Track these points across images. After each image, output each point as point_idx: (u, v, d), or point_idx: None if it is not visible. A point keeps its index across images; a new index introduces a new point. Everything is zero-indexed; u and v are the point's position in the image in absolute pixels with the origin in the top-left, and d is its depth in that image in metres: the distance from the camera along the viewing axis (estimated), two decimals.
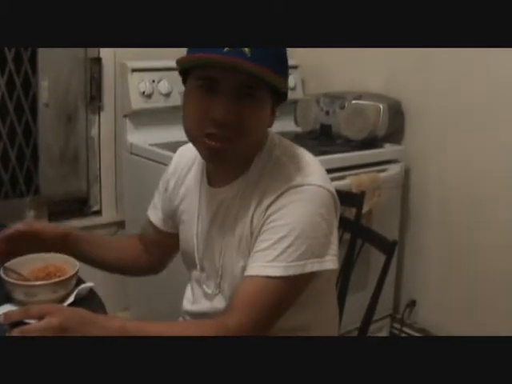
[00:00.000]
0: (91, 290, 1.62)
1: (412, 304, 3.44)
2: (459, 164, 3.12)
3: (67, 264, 1.64)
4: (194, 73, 1.49)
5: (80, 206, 3.31)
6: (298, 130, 3.51)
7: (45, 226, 1.73)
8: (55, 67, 3.06)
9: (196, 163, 1.72)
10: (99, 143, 3.23)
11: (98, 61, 3.12)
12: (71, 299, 1.54)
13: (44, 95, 3.03)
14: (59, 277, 1.58)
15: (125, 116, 3.10)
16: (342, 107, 3.26)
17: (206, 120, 1.46)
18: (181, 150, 1.82)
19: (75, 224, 2.91)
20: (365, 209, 2.24)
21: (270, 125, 1.58)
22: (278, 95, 1.53)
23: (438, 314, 3.29)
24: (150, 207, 1.87)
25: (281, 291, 1.45)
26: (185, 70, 1.52)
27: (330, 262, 1.50)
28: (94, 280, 1.65)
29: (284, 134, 3.34)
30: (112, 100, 3.19)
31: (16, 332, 1.25)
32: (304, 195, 1.48)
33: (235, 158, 1.54)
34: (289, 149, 1.61)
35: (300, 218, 1.46)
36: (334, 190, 1.55)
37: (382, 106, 3.17)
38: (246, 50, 1.40)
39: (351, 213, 2.33)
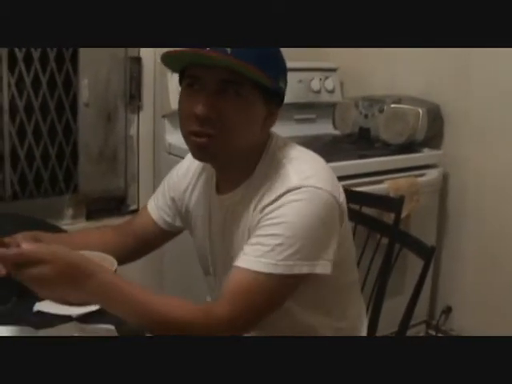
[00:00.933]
0: None
1: (448, 310, 3.42)
2: (498, 169, 3.09)
3: (105, 261, 1.64)
4: (185, 73, 1.53)
5: (118, 204, 3.33)
6: (337, 133, 3.50)
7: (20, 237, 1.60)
8: (96, 66, 3.08)
9: (206, 170, 1.74)
10: (138, 142, 3.25)
11: (138, 60, 3.13)
12: None
13: (84, 94, 3.05)
14: None
15: (164, 116, 3.12)
16: (381, 111, 3.25)
17: (191, 118, 1.49)
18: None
19: (113, 222, 2.92)
20: (403, 213, 2.22)
21: (268, 127, 1.58)
22: (272, 94, 1.53)
23: (474, 321, 3.26)
24: (152, 205, 1.86)
25: (267, 287, 1.45)
26: (181, 72, 1.56)
27: (321, 267, 1.49)
28: (131, 278, 1.66)
29: (322, 137, 3.39)
30: (151, 99, 3.21)
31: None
32: (302, 196, 1.47)
33: (222, 156, 1.55)
34: (292, 151, 1.60)
35: (295, 218, 1.46)
36: (338, 194, 1.54)
37: (421, 110, 3.15)
38: (228, 48, 1.43)
39: (389, 217, 2.32)
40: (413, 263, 2.06)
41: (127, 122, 3.23)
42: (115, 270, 1.59)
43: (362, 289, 2.11)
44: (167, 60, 1.53)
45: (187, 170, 1.79)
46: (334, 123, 3.52)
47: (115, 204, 3.33)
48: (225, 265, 1.56)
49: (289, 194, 1.47)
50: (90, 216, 3.20)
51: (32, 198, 2.96)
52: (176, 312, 1.41)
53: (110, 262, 1.63)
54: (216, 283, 1.72)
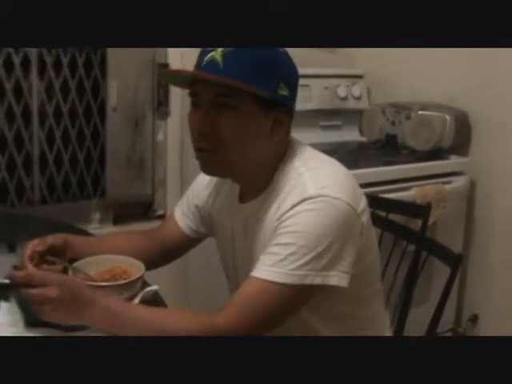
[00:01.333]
0: (156, 293, 1.64)
1: (474, 318, 3.39)
2: None
3: (133, 267, 1.66)
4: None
5: (145, 209, 3.35)
6: (363, 139, 3.50)
7: (36, 243, 1.66)
8: (124, 72, 3.11)
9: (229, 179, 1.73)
10: (165, 148, 3.27)
11: (165, 66, 3.15)
12: (136, 301, 1.56)
13: (112, 100, 3.08)
14: (125, 279, 1.61)
15: None
16: (408, 117, 3.24)
17: (193, 134, 1.53)
18: None
19: (140, 227, 2.94)
20: (429, 221, 2.21)
21: (279, 135, 1.56)
22: (272, 103, 1.51)
23: (501, 330, 3.23)
24: (178, 212, 1.88)
25: (276, 297, 1.43)
26: None
27: (336, 278, 1.45)
28: (157, 283, 1.67)
29: (348, 144, 3.38)
30: (179, 106, 3.22)
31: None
32: (317, 206, 1.44)
33: (227, 170, 1.58)
34: (309, 159, 1.58)
35: (309, 228, 1.43)
36: (357, 205, 1.50)
37: (448, 117, 3.14)
38: (220, 60, 1.44)
39: (415, 224, 2.32)
40: (439, 271, 2.05)
41: (155, 127, 3.25)
42: (142, 275, 1.61)
43: (388, 296, 2.11)
44: (170, 81, 1.55)
45: (211, 179, 1.79)
46: (360, 130, 3.52)
47: (142, 209, 3.35)
48: (246, 272, 1.54)
49: (304, 203, 1.45)
50: (117, 221, 3.23)
51: (60, 202, 2.99)
52: (179, 326, 1.43)
53: (137, 266, 1.65)
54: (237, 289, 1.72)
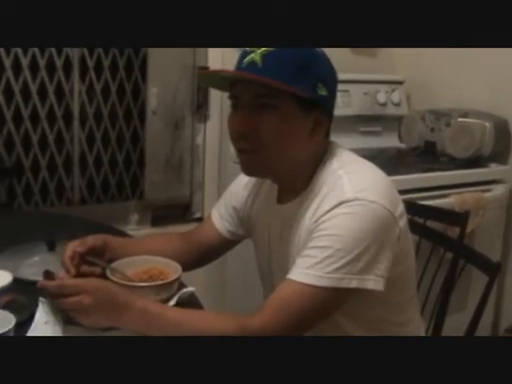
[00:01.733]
0: (192, 295, 1.65)
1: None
2: None
3: (170, 268, 1.67)
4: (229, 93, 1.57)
5: (182, 211, 3.37)
6: (402, 146, 3.48)
7: (77, 244, 1.68)
8: (164, 75, 3.13)
9: (268, 180, 1.74)
10: (204, 151, 3.28)
11: (205, 69, 3.16)
12: (173, 302, 1.56)
13: (152, 103, 3.10)
14: (162, 280, 1.62)
15: None
16: (448, 124, 3.22)
17: (233, 136, 1.54)
18: None
19: (177, 229, 2.95)
20: (468, 229, 2.20)
21: (319, 136, 1.56)
22: (312, 104, 1.51)
23: None
24: (215, 214, 1.88)
25: (311, 300, 1.43)
26: None
27: (373, 282, 1.44)
28: (193, 285, 1.68)
29: (387, 150, 3.37)
30: (218, 109, 3.23)
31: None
32: (354, 210, 1.43)
33: (268, 171, 1.58)
34: (348, 162, 1.58)
35: (346, 231, 1.43)
36: (394, 209, 1.49)
37: (488, 125, 3.11)
38: (259, 61, 1.45)
39: (453, 232, 2.30)
40: (477, 279, 2.04)
41: (194, 130, 3.27)
42: (179, 276, 1.62)
43: (424, 304, 2.09)
44: (209, 83, 1.57)
45: (249, 180, 1.80)
46: (399, 136, 3.50)
47: (180, 211, 3.36)
48: (281, 274, 1.55)
49: (341, 207, 1.45)
50: (154, 222, 3.25)
51: (99, 203, 3.02)
52: (215, 328, 1.43)
53: (174, 268, 1.66)
54: (271, 292, 1.72)
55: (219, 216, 1.87)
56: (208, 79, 1.54)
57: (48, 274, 1.46)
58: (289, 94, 1.46)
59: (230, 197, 1.86)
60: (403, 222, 1.53)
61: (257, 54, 1.46)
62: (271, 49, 1.46)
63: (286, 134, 1.51)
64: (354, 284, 1.42)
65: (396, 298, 1.62)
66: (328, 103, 1.56)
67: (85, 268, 1.63)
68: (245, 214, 1.81)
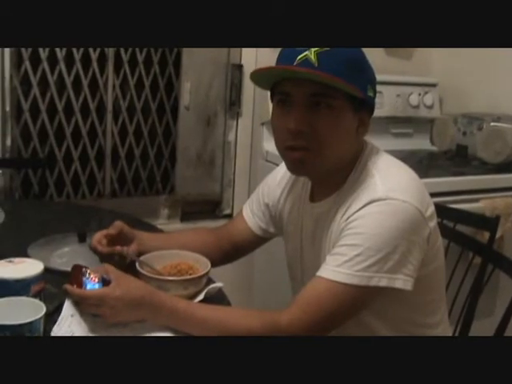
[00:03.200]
0: (220, 290, 1.65)
1: None
2: None
3: (199, 263, 1.68)
4: (274, 91, 1.55)
5: (212, 208, 3.38)
6: (434, 149, 3.46)
7: (123, 226, 1.73)
8: (198, 71, 3.14)
9: (301, 178, 1.74)
10: (235, 148, 3.29)
11: (239, 67, 3.18)
12: (201, 297, 1.57)
13: (185, 98, 3.12)
14: (190, 274, 1.63)
15: (262, 124, 3.15)
16: (480, 129, 3.19)
17: (284, 133, 1.51)
18: None
19: (206, 225, 2.97)
20: (497, 234, 2.18)
21: (361, 135, 1.57)
22: (361, 104, 1.52)
23: None
24: (247, 210, 1.89)
25: (341, 298, 1.44)
26: (271, 89, 1.57)
27: (402, 281, 1.44)
28: (222, 281, 1.69)
29: (418, 153, 3.36)
30: (251, 107, 3.24)
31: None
32: (385, 208, 1.44)
33: (318, 169, 1.56)
34: (383, 161, 1.58)
35: (376, 230, 1.43)
36: (425, 210, 1.49)
37: None
38: (314, 60, 1.43)
39: (482, 236, 2.29)
40: (505, 285, 2.02)
41: (226, 127, 3.28)
42: (208, 272, 1.63)
43: (451, 308, 2.08)
44: (256, 78, 1.54)
45: (282, 178, 1.81)
46: (431, 139, 3.48)
47: (210, 207, 3.38)
48: (312, 273, 1.54)
49: (372, 205, 1.45)
50: (184, 218, 3.26)
51: (130, 197, 3.05)
52: (243, 325, 1.44)
53: (203, 263, 1.67)
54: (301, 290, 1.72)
55: (251, 212, 1.88)
56: (258, 75, 1.54)
57: (76, 268, 1.49)
58: (343, 94, 1.47)
59: (262, 194, 1.86)
60: (433, 224, 1.53)
61: (311, 53, 1.45)
62: (324, 48, 1.45)
63: (339, 133, 1.51)
64: (383, 283, 1.43)
65: (424, 299, 1.62)
66: (373, 104, 1.57)
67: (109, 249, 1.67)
68: (277, 211, 1.81)
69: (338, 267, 1.44)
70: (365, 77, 1.53)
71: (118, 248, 1.66)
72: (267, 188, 1.85)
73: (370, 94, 1.54)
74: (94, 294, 1.43)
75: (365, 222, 1.45)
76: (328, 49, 1.45)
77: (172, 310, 1.44)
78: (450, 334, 1.82)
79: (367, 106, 1.55)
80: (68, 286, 1.43)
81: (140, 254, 1.70)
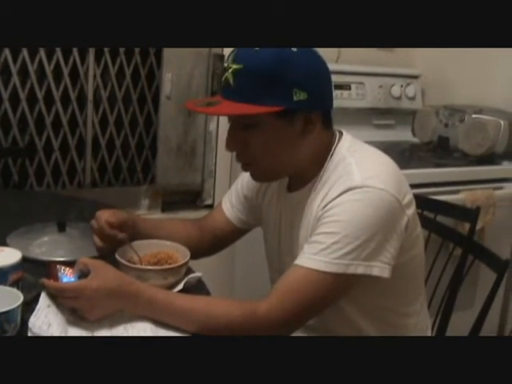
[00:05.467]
0: (199, 280, 1.65)
1: None
2: None
3: (178, 252, 1.68)
4: None
5: (193, 198, 3.37)
6: (415, 140, 3.48)
7: (111, 214, 1.73)
8: (179, 61, 3.12)
9: None
10: (217, 139, 3.27)
11: (220, 57, 3.16)
12: (180, 287, 1.57)
13: (167, 88, 3.10)
14: (170, 264, 1.63)
15: None
16: (462, 120, 3.21)
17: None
18: None
19: (187, 216, 2.96)
20: (478, 225, 2.19)
21: (311, 133, 1.54)
22: (291, 112, 1.49)
23: None
24: (226, 203, 1.90)
25: (318, 286, 1.45)
26: None
27: (378, 269, 1.46)
28: (202, 270, 1.68)
29: (400, 144, 3.37)
30: None
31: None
32: (362, 196, 1.45)
33: (271, 177, 1.65)
34: (359, 150, 1.59)
35: (353, 217, 1.45)
36: (402, 197, 1.50)
37: (502, 122, 3.10)
38: (232, 82, 1.47)
39: (463, 228, 2.30)
40: (485, 276, 2.03)
41: (207, 117, 3.26)
42: (187, 261, 1.62)
43: (431, 299, 2.09)
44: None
45: None
46: (413, 130, 3.50)
47: (191, 198, 3.36)
48: (291, 262, 1.55)
49: (349, 193, 1.46)
50: (165, 208, 3.25)
51: (110, 186, 3.03)
52: (222, 314, 1.45)
53: (182, 252, 1.67)
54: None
55: (230, 205, 1.88)
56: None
57: (51, 265, 1.50)
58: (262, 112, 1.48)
59: (241, 186, 1.87)
60: (411, 212, 1.54)
61: (229, 73, 1.48)
62: (240, 65, 1.46)
63: (274, 146, 1.54)
64: (360, 270, 1.44)
65: (402, 287, 1.63)
66: (310, 104, 1.51)
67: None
68: (256, 202, 1.82)
69: (315, 255, 1.45)
70: (286, 84, 1.47)
71: (121, 235, 1.67)
72: (246, 180, 1.85)
73: (300, 97, 1.48)
74: (70, 286, 1.42)
75: (342, 210, 1.46)
76: (243, 66, 1.46)
77: (151, 300, 1.44)
78: (429, 324, 1.83)
79: (302, 109, 1.51)
80: (44, 280, 1.42)
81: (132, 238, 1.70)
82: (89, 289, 1.40)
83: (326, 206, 1.50)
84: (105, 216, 1.68)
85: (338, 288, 1.48)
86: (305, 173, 1.60)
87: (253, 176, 1.64)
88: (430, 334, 1.82)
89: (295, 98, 1.48)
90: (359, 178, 1.48)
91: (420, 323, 1.74)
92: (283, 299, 1.45)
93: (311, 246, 1.47)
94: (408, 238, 1.54)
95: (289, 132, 1.53)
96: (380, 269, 1.46)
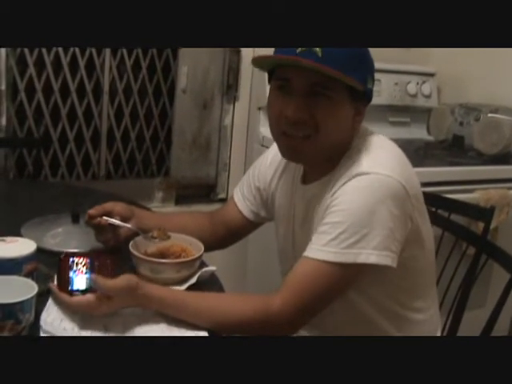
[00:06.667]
0: (213, 274, 1.65)
1: None
2: None
3: (192, 246, 1.68)
4: (274, 75, 1.54)
5: (207, 191, 3.37)
6: (430, 138, 3.47)
7: (114, 205, 1.73)
8: (195, 55, 3.13)
9: None
10: (231, 132, 3.28)
11: (237, 52, 3.16)
12: (193, 280, 1.57)
13: (182, 81, 3.10)
14: (183, 257, 1.63)
15: (259, 108, 3.14)
16: (477, 119, 3.19)
17: (281, 119, 1.51)
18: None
19: (201, 209, 2.96)
20: (492, 225, 2.18)
21: (357, 125, 1.57)
22: (359, 95, 1.52)
23: None
24: (238, 195, 1.88)
25: (329, 277, 1.44)
26: (270, 71, 1.57)
27: (390, 259, 1.44)
28: (215, 264, 1.68)
29: (415, 142, 3.36)
30: (248, 91, 3.23)
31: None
32: (369, 183, 1.44)
33: (312, 157, 1.57)
34: (372, 140, 1.58)
35: (360, 205, 1.43)
36: (410, 186, 1.48)
37: None
38: (318, 50, 1.43)
39: (477, 227, 2.29)
40: (498, 276, 2.02)
41: (222, 111, 3.26)
42: (201, 255, 1.62)
43: (444, 297, 2.08)
44: (257, 62, 1.55)
45: (273, 160, 1.80)
46: (428, 128, 3.48)
47: (205, 191, 3.37)
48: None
49: (356, 180, 1.46)
50: (178, 201, 3.25)
51: (124, 179, 3.03)
52: (232, 312, 1.45)
53: (196, 246, 1.67)
54: None
55: (242, 196, 1.87)
56: (258, 61, 1.53)
57: (63, 261, 1.48)
58: (343, 85, 1.47)
59: (253, 177, 1.86)
60: (418, 204, 1.54)
61: (314, 49, 1.44)
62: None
63: (337, 122, 1.51)
64: (372, 259, 1.43)
65: (411, 281, 1.62)
66: (371, 95, 1.57)
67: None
68: (269, 194, 1.81)
69: (324, 246, 1.44)
70: (365, 68, 1.52)
71: (104, 220, 1.67)
72: (258, 171, 1.85)
73: (369, 85, 1.54)
74: (79, 301, 1.40)
75: (348, 198, 1.46)
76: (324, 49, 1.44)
77: (161, 301, 1.43)
78: (439, 324, 1.82)
79: (365, 96, 1.55)
80: (54, 288, 1.42)
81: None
82: (97, 302, 1.38)
83: (334, 193, 1.49)
84: (89, 210, 1.69)
85: (348, 278, 1.47)
86: (326, 165, 1.58)
87: (295, 151, 1.56)
88: (439, 334, 1.82)
89: (367, 85, 1.53)
90: (367, 165, 1.48)
91: (429, 320, 1.73)
92: (295, 293, 1.45)
93: (319, 236, 1.47)
94: (415, 231, 1.53)
95: (348, 115, 1.53)
96: (391, 258, 1.45)
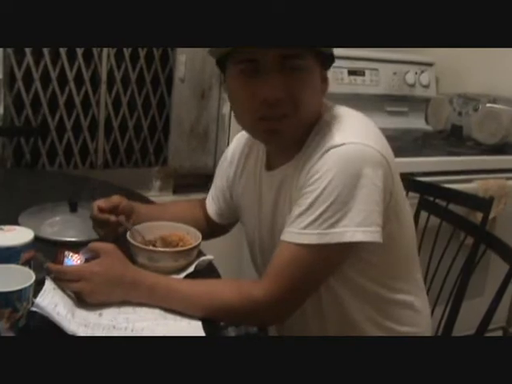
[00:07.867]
0: (210, 263, 1.65)
1: None
2: None
3: (190, 235, 1.67)
4: (231, 60, 1.43)
5: (205, 181, 3.36)
6: (428, 128, 3.46)
7: (103, 200, 1.69)
8: None
9: (253, 150, 1.68)
10: (229, 122, 3.27)
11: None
12: (191, 269, 1.56)
13: (180, 70, 3.10)
14: (181, 246, 1.62)
15: None
16: (476, 109, 3.18)
17: (254, 103, 1.39)
18: (236, 138, 1.78)
19: (198, 198, 2.96)
20: (490, 215, 2.18)
21: (323, 93, 1.47)
22: (324, 59, 1.44)
23: None
24: (209, 198, 1.87)
25: (314, 261, 1.36)
26: (221, 61, 1.48)
27: (378, 234, 1.34)
28: (212, 253, 1.68)
29: (413, 131, 3.35)
30: None
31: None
32: (344, 154, 1.33)
33: (292, 136, 1.45)
34: (339, 112, 1.47)
35: (338, 179, 1.32)
36: (388, 155, 1.39)
37: None
38: None
39: (475, 217, 2.29)
40: (496, 266, 2.02)
41: (220, 100, 3.26)
42: (199, 244, 1.62)
43: (442, 287, 2.08)
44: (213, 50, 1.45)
45: (233, 155, 1.76)
46: (426, 118, 3.48)
47: (202, 180, 3.36)
48: (274, 245, 1.47)
49: (330, 153, 1.34)
50: (176, 190, 3.26)
51: (122, 168, 3.04)
52: (220, 301, 1.40)
53: (194, 235, 1.66)
54: (265, 267, 1.50)
55: (211, 197, 1.86)
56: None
57: (60, 252, 1.49)
58: (311, 53, 1.39)
59: (216, 177, 1.84)
60: (397, 175, 1.45)
61: None
62: None
63: (313, 94, 1.42)
64: (358, 237, 1.33)
65: (388, 259, 1.51)
66: (332, 59, 1.48)
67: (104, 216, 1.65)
68: (232, 191, 1.77)
69: (305, 229, 1.35)
70: None
71: (114, 218, 1.65)
72: (221, 171, 1.82)
73: (329, 49, 1.46)
74: (71, 269, 1.41)
75: (324, 174, 1.34)
76: None
77: (152, 287, 1.41)
78: (428, 306, 1.75)
79: (330, 59, 1.47)
80: (49, 264, 1.41)
81: (134, 224, 1.69)
82: (89, 272, 1.38)
83: (308, 172, 1.38)
84: (97, 203, 1.65)
85: (335, 259, 1.40)
86: (292, 145, 1.48)
87: (276, 133, 1.43)
88: (429, 319, 1.77)
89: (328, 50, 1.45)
90: (340, 136, 1.36)
91: (416, 303, 1.63)
92: (277, 281, 1.37)
93: (298, 219, 1.37)
94: (394, 207, 1.44)
95: (318, 83, 1.44)
96: (378, 234, 1.35)
